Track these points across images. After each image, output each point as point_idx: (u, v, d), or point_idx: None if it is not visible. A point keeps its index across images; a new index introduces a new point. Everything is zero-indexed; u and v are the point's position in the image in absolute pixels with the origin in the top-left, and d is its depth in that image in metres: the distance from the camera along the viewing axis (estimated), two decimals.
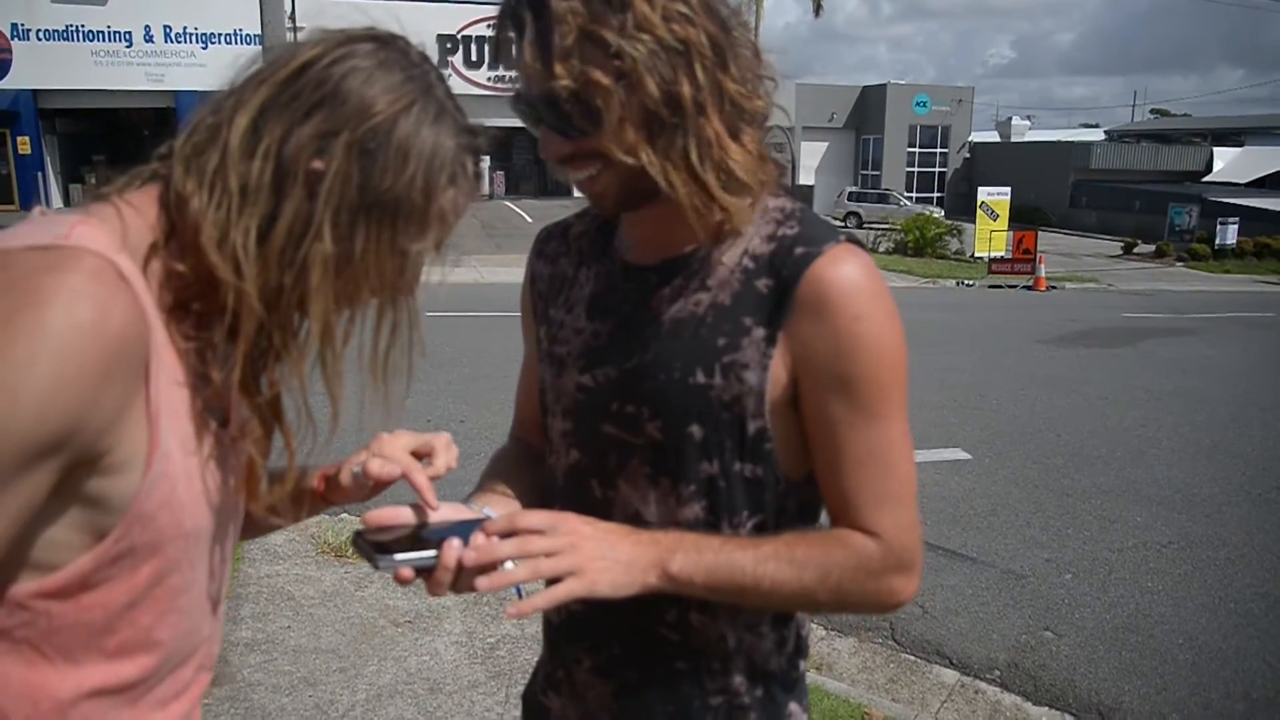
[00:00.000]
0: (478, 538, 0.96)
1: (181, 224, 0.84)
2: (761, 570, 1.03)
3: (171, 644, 0.90)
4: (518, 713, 3.56)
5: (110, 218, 0.83)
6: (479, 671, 3.38)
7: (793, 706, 1.20)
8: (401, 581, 0.96)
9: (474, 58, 26.04)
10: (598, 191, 1.05)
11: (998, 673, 3.75)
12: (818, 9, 30.68)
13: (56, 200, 24.49)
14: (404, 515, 1.02)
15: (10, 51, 23.27)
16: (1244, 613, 4.32)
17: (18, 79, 23.29)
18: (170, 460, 0.82)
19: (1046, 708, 3.51)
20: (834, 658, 3.76)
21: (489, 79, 24.51)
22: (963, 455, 6.53)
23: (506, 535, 0.97)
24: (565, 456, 1.19)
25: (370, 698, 3.18)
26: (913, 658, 3.82)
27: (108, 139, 25.74)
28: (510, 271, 14.38)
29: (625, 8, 0.96)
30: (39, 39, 23.39)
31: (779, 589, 1.04)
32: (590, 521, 1.02)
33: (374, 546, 0.96)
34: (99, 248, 0.77)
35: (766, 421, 1.07)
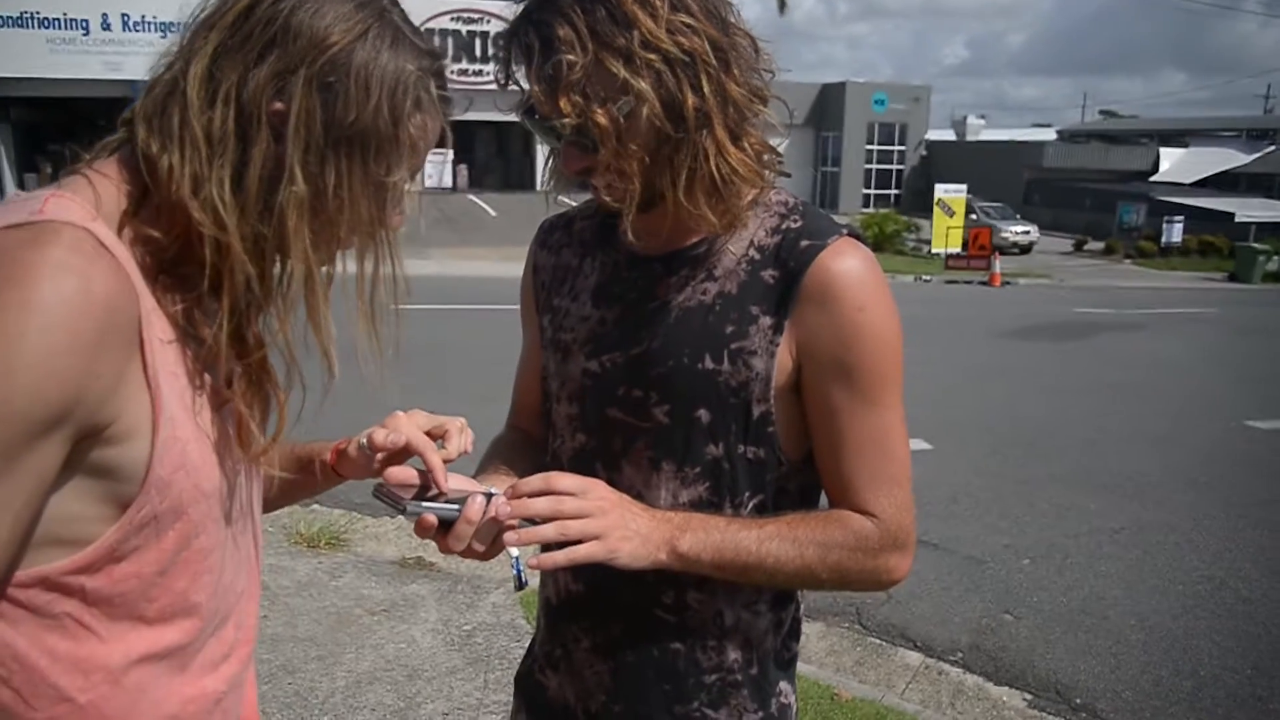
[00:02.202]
0: (500, 499, 0.99)
1: (154, 184, 0.83)
2: (765, 549, 1.08)
3: (209, 604, 0.91)
4: (497, 697, 3.61)
5: (82, 188, 0.82)
6: (456, 658, 3.42)
7: (783, 684, 1.25)
8: (422, 530, 0.99)
9: (442, 51, 25.74)
10: (617, 198, 1.08)
11: (960, 654, 3.87)
12: (782, 6, 30.84)
13: (10, 188, 23.86)
14: (419, 479, 1.05)
15: None
16: (1192, 594, 4.49)
17: None
18: (176, 424, 0.82)
19: (1007, 687, 3.63)
20: (803, 641, 3.84)
21: (453, 73, 24.28)
22: (924, 445, 6.67)
23: (539, 495, 1.01)
24: (571, 440, 1.22)
25: (350, 684, 3.21)
26: (879, 641, 3.93)
27: (64, 128, 25.01)
28: (474, 265, 14.36)
29: (631, 25, 0.98)
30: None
31: (782, 567, 1.09)
32: (615, 491, 1.07)
33: (398, 496, 1.00)
34: (75, 219, 0.76)
35: (771, 405, 1.12)
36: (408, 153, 0.89)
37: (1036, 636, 4.03)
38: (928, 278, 20.83)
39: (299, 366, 0.91)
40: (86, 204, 0.80)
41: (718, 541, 1.08)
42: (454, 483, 1.06)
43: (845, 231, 1.13)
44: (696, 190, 1.06)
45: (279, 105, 0.82)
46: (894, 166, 38.89)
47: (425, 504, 0.99)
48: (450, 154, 33.83)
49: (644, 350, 1.15)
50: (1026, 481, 6.12)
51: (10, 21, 22.83)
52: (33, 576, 0.79)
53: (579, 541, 1.01)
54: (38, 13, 22.89)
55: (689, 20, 1.01)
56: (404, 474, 1.05)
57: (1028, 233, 28.14)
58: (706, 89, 1.02)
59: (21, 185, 23.87)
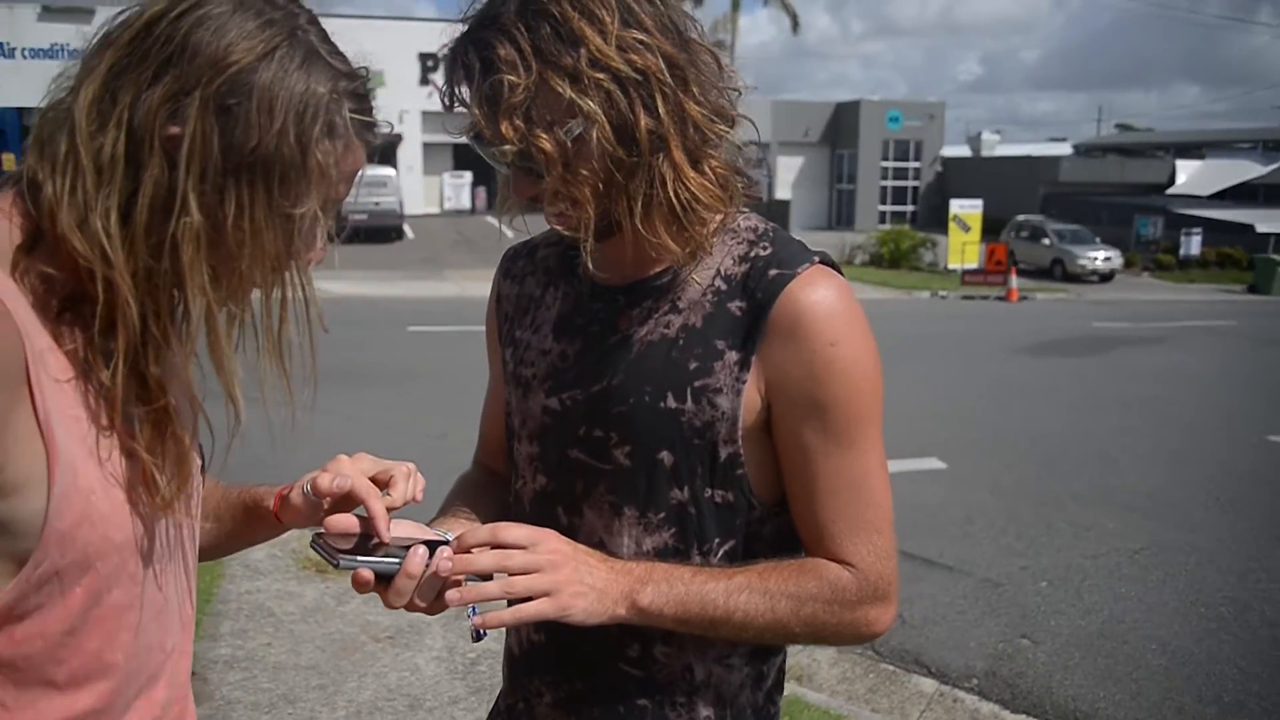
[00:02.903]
0: (445, 551, 0.93)
1: (39, 215, 0.77)
2: (733, 602, 1.01)
3: (129, 665, 0.84)
4: None
5: None
6: (459, 687, 3.37)
7: None
8: (360, 585, 0.92)
9: None
10: (571, 227, 1.02)
11: (976, 681, 3.79)
12: (795, 25, 30.96)
13: None
14: (361, 527, 0.98)
15: None
16: (1214, 617, 4.39)
17: (3, 97, 23.04)
18: (77, 472, 0.76)
19: (1024, 715, 3.54)
20: (813, 668, 3.78)
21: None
22: (938, 464, 6.59)
23: (486, 547, 0.95)
24: (532, 482, 1.15)
25: (350, 715, 3.17)
26: (891, 667, 3.85)
27: None
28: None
29: (579, 43, 0.92)
30: (24, 57, 23.25)
31: (751, 621, 1.03)
32: (569, 542, 1.00)
33: (333, 549, 0.93)
34: None
35: (739, 447, 1.05)
36: (317, 181, 0.81)
37: (1055, 662, 3.94)
38: (944, 294, 20.71)
39: (201, 409, 0.85)
40: None
41: (681, 594, 1.01)
42: (403, 530, 0.99)
43: (817, 259, 1.06)
44: (654, 218, 1.00)
45: (174, 129, 0.76)
46: (909, 183, 38.79)
47: (361, 558, 0.91)
48: (469, 176, 34.29)
49: (604, 387, 1.08)
50: (1044, 501, 6.02)
51: (41, 54, 23.25)
52: None
53: (529, 598, 0.94)
54: (67, 44, 23.13)
55: (642, 36, 0.94)
56: (345, 522, 0.97)
57: (1109, 259, 24.81)
58: (661, 110, 0.95)
59: None
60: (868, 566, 1.05)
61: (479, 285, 14.85)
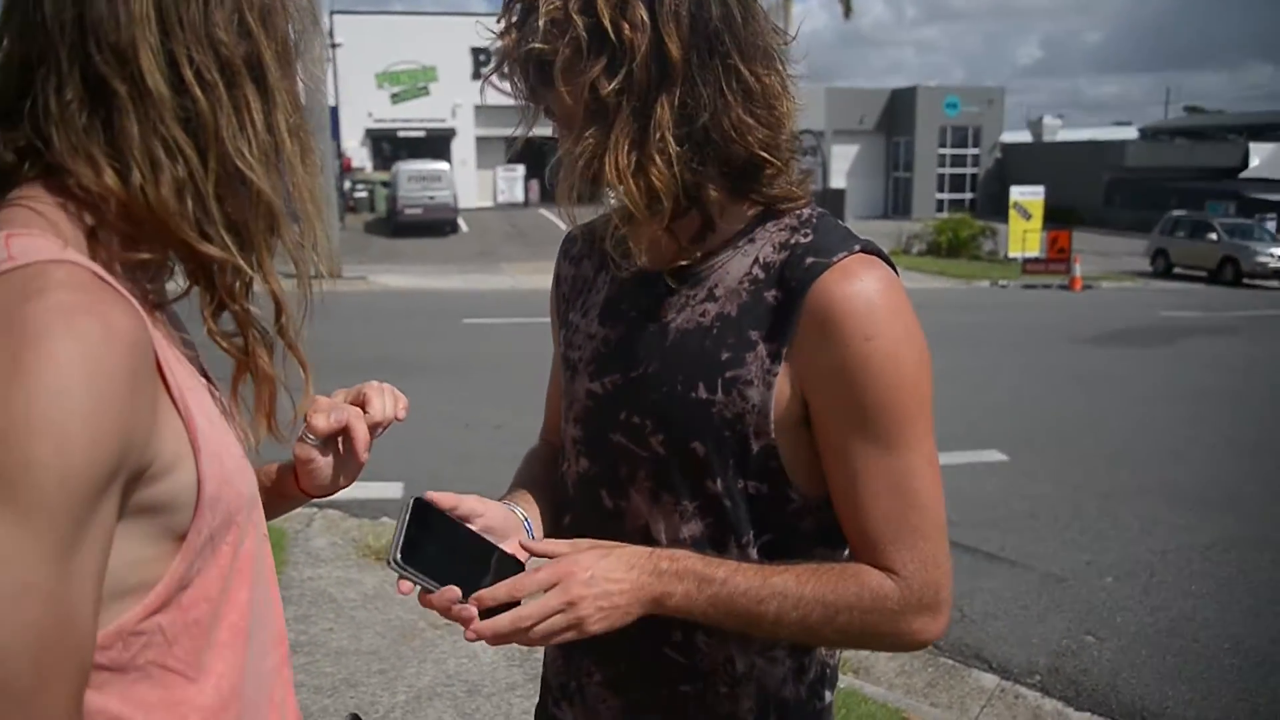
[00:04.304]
0: (482, 596, 0.93)
1: (107, 202, 0.76)
2: (764, 608, 0.98)
3: (261, 611, 0.87)
4: None
5: (29, 219, 0.75)
6: (517, 674, 3.40)
7: None
8: (401, 591, 0.94)
9: (508, 70, 26.16)
10: (638, 201, 1.00)
11: (1038, 677, 3.70)
12: (848, 10, 30.55)
13: None
14: (461, 505, 1.01)
15: None
16: None
17: None
18: (208, 438, 0.78)
19: (1088, 713, 3.46)
20: (872, 661, 3.74)
21: None
22: (999, 457, 6.47)
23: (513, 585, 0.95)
24: (576, 464, 1.15)
25: (410, 699, 3.21)
26: (951, 662, 3.78)
27: None
28: (546, 278, 14.20)
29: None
30: None
31: (783, 627, 1.00)
32: (591, 564, 0.97)
33: (408, 542, 0.94)
34: (53, 255, 0.71)
35: (773, 440, 1.02)
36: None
37: (1121, 660, 3.84)
38: (1004, 283, 20.30)
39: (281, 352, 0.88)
40: (50, 235, 0.74)
41: (710, 596, 0.98)
42: (493, 513, 1.03)
43: (858, 247, 1.01)
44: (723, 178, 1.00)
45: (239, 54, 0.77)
46: (968, 170, 38.12)
47: (409, 568, 0.93)
48: (522, 170, 34.44)
49: (641, 374, 1.06)
50: (1110, 494, 5.87)
51: None
52: (110, 635, 0.74)
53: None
54: None
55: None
56: (445, 499, 1.01)
57: None
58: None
59: None
60: (912, 574, 0.99)
61: (532, 278, 15.02)
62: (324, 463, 1.02)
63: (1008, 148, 39.34)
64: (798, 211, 1.06)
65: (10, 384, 0.63)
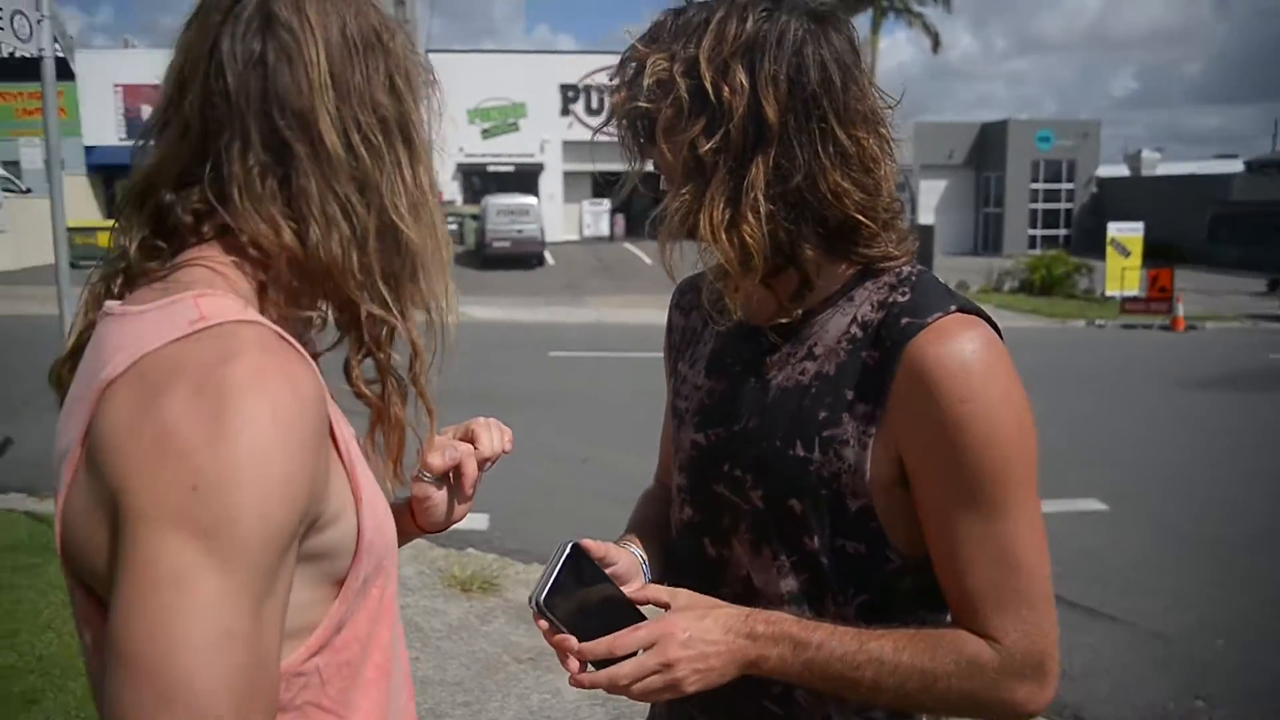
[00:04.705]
0: (584, 649, 0.98)
1: (279, 259, 0.80)
2: (860, 674, 0.98)
3: (395, 650, 0.91)
4: None
5: (211, 279, 0.79)
6: (599, 713, 3.38)
7: None
8: (536, 622, 0.99)
9: (595, 105, 26.78)
10: (737, 258, 1.02)
11: None
12: (936, 44, 30.27)
13: None
14: (609, 554, 1.06)
15: None
16: None
17: None
18: (365, 486, 0.81)
19: None
20: None
21: (610, 125, 25.19)
22: (1098, 506, 6.22)
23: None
24: (680, 512, 1.18)
25: None
26: None
27: None
28: (631, 312, 14.54)
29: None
30: None
31: (880, 693, 0.99)
32: (689, 625, 0.99)
33: (555, 583, 0.98)
34: (239, 316, 0.75)
35: (870, 500, 1.02)
36: None
37: None
38: (1101, 323, 19.62)
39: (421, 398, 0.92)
40: (233, 296, 0.78)
41: (806, 661, 0.99)
42: (622, 563, 1.08)
43: (954, 307, 1.00)
44: (820, 238, 1.02)
45: (381, 120, 0.83)
46: (1062, 205, 37.08)
47: (548, 611, 0.98)
48: (608, 204, 34.92)
49: (742, 428, 1.09)
50: (1218, 547, 5.58)
51: None
52: None
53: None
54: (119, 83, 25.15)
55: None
56: (596, 548, 1.05)
57: None
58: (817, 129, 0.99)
59: None
60: (1014, 643, 0.97)
61: (617, 312, 15.19)
62: (439, 499, 1.05)
63: (1104, 182, 38.17)
64: (897, 270, 1.07)
65: (215, 444, 0.66)
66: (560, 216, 29.88)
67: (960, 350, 0.97)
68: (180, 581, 0.65)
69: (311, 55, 0.78)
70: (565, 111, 27.37)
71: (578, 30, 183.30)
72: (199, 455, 0.66)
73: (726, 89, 0.97)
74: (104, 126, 24.60)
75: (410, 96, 0.85)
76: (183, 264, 0.80)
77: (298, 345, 0.77)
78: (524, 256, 24.81)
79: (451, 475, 1.05)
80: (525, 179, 33.40)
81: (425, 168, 0.86)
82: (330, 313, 0.86)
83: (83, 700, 3.26)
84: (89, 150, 26.18)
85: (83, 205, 22.77)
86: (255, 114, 0.78)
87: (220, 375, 0.69)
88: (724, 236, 1.00)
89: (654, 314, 13.49)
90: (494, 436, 1.07)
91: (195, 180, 0.80)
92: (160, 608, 0.64)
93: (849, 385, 1.02)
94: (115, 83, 24.75)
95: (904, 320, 1.00)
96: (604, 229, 29.20)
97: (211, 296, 0.76)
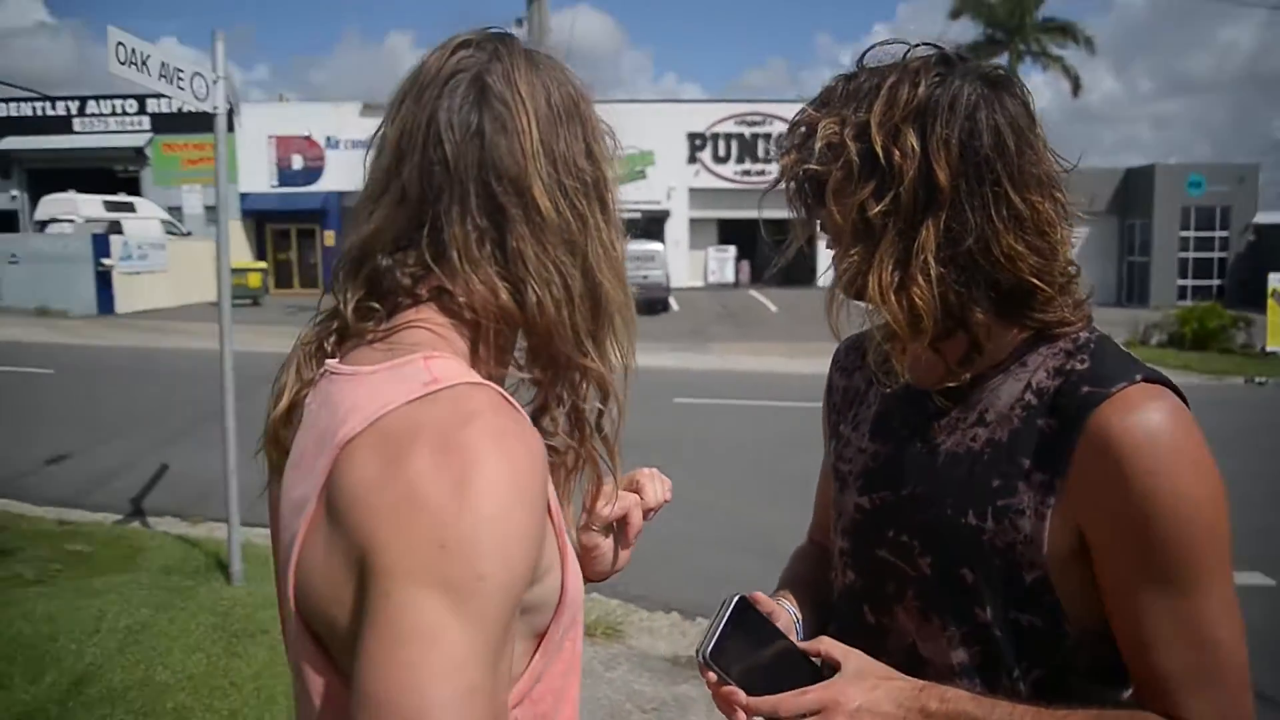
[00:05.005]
0: (749, 704, 0.97)
1: (491, 320, 0.83)
2: None
3: (581, 702, 0.92)
4: None
5: (435, 341, 0.82)
6: None
7: None
8: (703, 673, 0.99)
9: (721, 153, 27.02)
10: (905, 321, 1.02)
11: None
12: (1076, 88, 29.32)
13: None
14: (775, 611, 1.07)
15: (323, 159, 26.89)
16: None
17: (328, 182, 26.80)
18: (567, 540, 0.83)
19: None
20: None
21: (735, 173, 25.31)
22: (1264, 580, 5.76)
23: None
24: (842, 576, 1.17)
25: None
26: None
27: (284, 232, 28.66)
28: (755, 360, 14.48)
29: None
30: (347, 148, 26.87)
31: None
32: (859, 697, 0.97)
33: (722, 635, 0.98)
34: (469, 378, 0.78)
35: (1047, 572, 0.98)
36: None
37: None
38: (1261, 380, 18.32)
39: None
40: (458, 357, 0.82)
41: None
42: (783, 619, 1.10)
43: (1140, 376, 0.96)
44: (993, 303, 1.01)
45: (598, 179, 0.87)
46: (1215, 254, 34.99)
47: (714, 664, 0.97)
48: (733, 250, 35.16)
49: (910, 494, 1.07)
50: None
51: (359, 144, 26.64)
52: None
53: None
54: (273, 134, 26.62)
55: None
56: (767, 602, 1.07)
57: None
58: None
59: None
60: None
61: (741, 359, 15.15)
62: (606, 548, 1.07)
63: (1263, 229, 35.79)
64: (1074, 335, 1.03)
65: (461, 504, 0.69)
66: (685, 263, 30.12)
67: (1147, 421, 0.93)
68: (430, 636, 0.66)
69: (523, 124, 0.82)
70: (692, 159, 27.67)
71: (704, 79, 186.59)
72: (445, 514, 0.68)
73: (897, 153, 0.98)
74: (258, 175, 26.40)
75: (603, 160, 0.88)
76: (403, 325, 0.84)
77: (519, 406, 0.80)
78: (649, 302, 25.04)
79: (615, 524, 1.06)
80: (652, 225, 33.89)
81: (616, 227, 0.89)
82: (531, 369, 0.88)
83: (227, 719, 3.41)
84: (243, 196, 28.11)
85: (238, 248, 24.38)
86: (474, 181, 0.82)
87: (460, 437, 0.72)
88: (892, 298, 1.00)
89: (778, 362, 13.41)
90: (657, 487, 1.09)
91: (411, 244, 0.84)
92: (411, 661, 0.66)
93: (1024, 454, 0.99)
94: (269, 134, 26.48)
95: (1084, 389, 0.97)
96: (729, 275, 29.27)
97: (439, 359, 0.80)
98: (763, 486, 7.19)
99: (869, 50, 1.06)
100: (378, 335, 0.84)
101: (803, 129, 1.06)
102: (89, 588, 4.67)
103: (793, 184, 1.07)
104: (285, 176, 27.25)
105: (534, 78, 0.85)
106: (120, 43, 4.08)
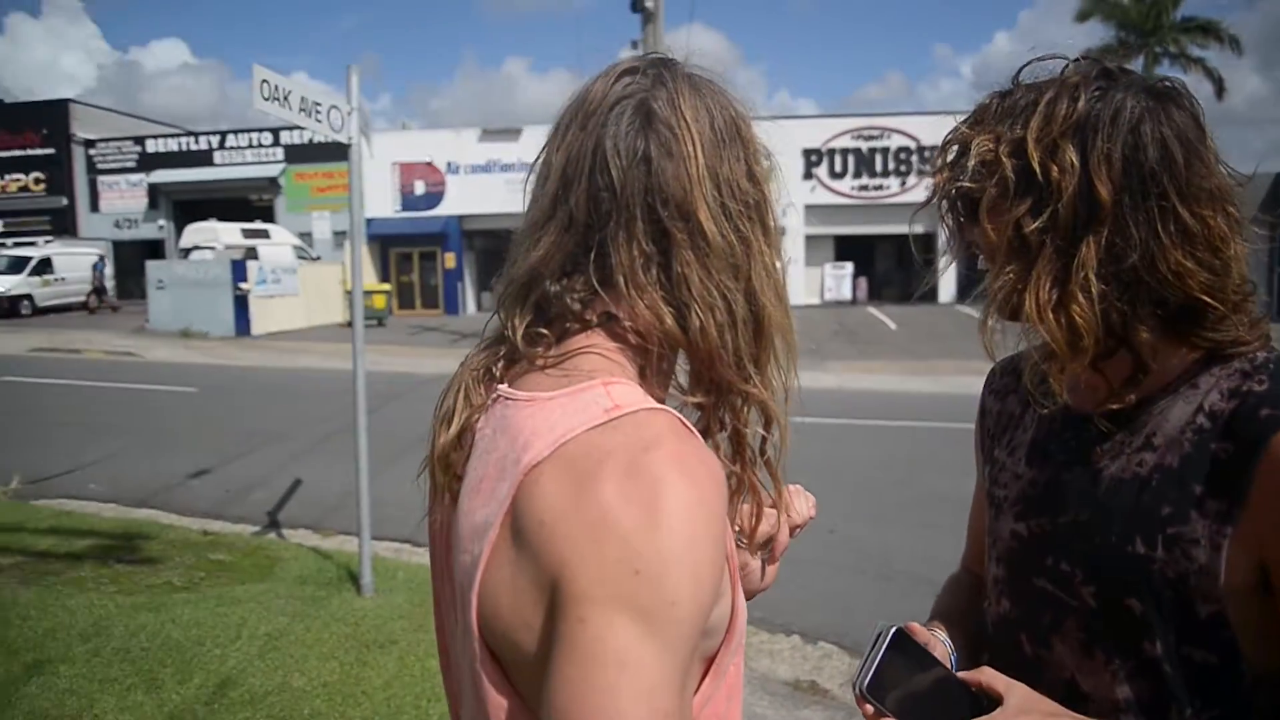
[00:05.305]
0: None
1: (654, 345, 0.83)
2: None
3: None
4: None
5: (609, 367, 0.83)
6: None
7: None
8: (860, 706, 0.96)
9: (838, 169, 26.66)
10: (1066, 339, 0.98)
11: None
12: (1220, 90, 27.76)
13: (471, 305, 28.46)
14: (931, 642, 1.04)
15: (444, 184, 27.83)
16: None
17: (448, 206, 27.71)
18: (736, 564, 0.83)
19: None
20: None
21: (852, 189, 24.93)
22: None
23: None
24: (997, 605, 1.12)
25: None
26: None
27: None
28: (873, 378, 14.18)
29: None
30: (466, 173, 27.74)
31: None
32: None
33: (879, 667, 0.96)
34: (648, 403, 0.78)
35: (1223, 606, 0.92)
36: None
37: None
38: None
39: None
40: (634, 383, 0.82)
41: None
42: (937, 647, 1.06)
43: None
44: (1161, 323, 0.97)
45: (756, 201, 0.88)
46: None
47: (870, 696, 0.94)
48: (850, 267, 34.67)
49: (1070, 521, 1.02)
50: None
51: (478, 169, 27.58)
52: None
53: None
54: (499, 160, 27.41)
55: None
56: (923, 634, 1.04)
57: None
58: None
59: (479, 302, 28.29)
60: None
61: (859, 377, 14.83)
62: (755, 567, 1.07)
63: None
64: (1250, 355, 0.98)
65: (653, 530, 0.69)
66: (802, 280, 29.84)
67: None
68: (624, 662, 0.67)
69: (689, 149, 0.82)
70: (808, 175, 27.40)
71: (818, 95, 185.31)
72: (638, 540, 0.69)
73: (1055, 168, 0.95)
74: (383, 200, 27.45)
75: (763, 181, 0.88)
76: (575, 351, 0.85)
77: (695, 430, 0.80)
78: None
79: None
80: None
81: (776, 248, 0.88)
82: (693, 392, 0.88)
83: None
84: (369, 221, 29.13)
85: (364, 271, 25.43)
86: (641, 207, 0.82)
87: (647, 462, 0.72)
88: (1050, 316, 0.96)
89: (897, 380, 13.06)
90: (802, 504, 1.08)
91: (578, 270, 0.85)
92: (606, 686, 0.67)
93: (1197, 480, 0.94)
94: (393, 161, 27.53)
95: (1264, 411, 0.92)
96: (846, 292, 28.82)
97: (618, 384, 0.80)
98: (883, 508, 7.01)
99: (1025, 66, 1.04)
100: (549, 361, 0.85)
101: (955, 147, 1.05)
102: (230, 595, 4.91)
103: (944, 202, 1.06)
104: (408, 201, 28.25)
105: (697, 101, 0.85)
106: (265, 80, 4.32)
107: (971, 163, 1.00)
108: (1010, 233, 0.98)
